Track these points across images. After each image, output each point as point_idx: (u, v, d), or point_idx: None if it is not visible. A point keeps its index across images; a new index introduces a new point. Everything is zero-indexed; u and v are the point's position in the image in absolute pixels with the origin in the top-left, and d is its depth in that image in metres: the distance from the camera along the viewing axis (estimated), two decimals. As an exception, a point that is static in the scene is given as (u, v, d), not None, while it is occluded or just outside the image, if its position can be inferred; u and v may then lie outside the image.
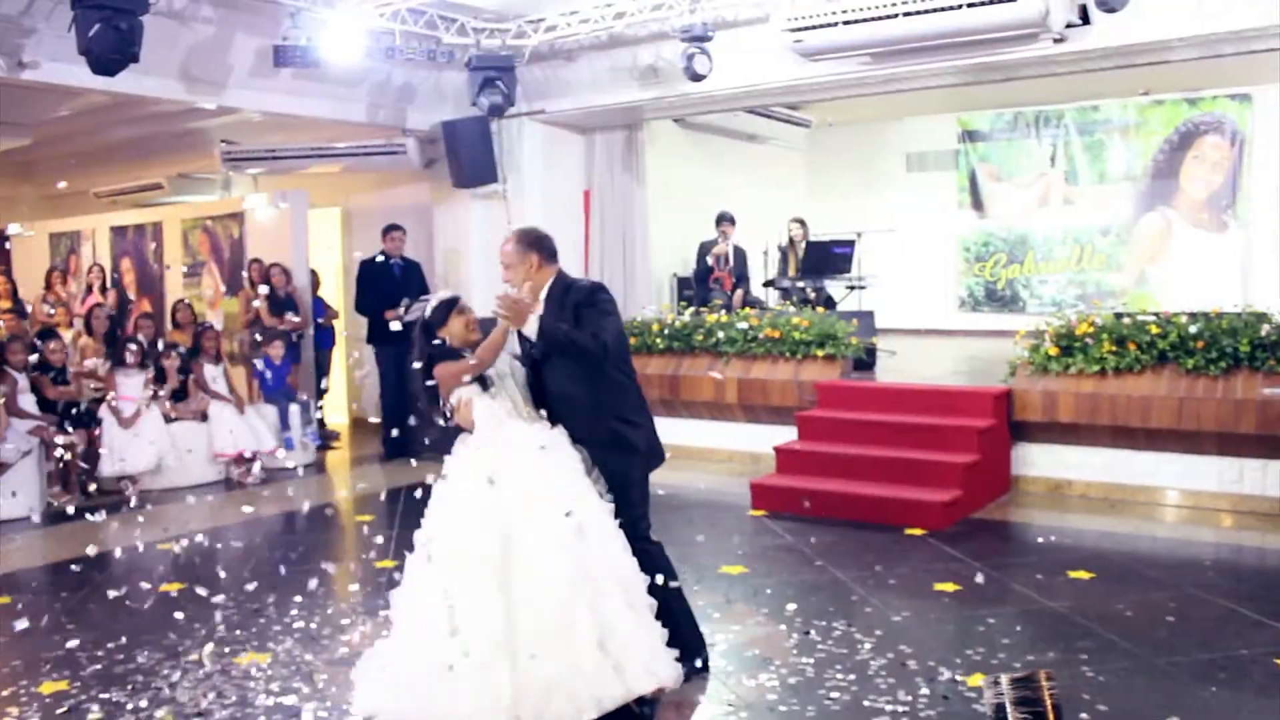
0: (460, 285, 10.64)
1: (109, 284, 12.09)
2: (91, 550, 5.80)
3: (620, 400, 4.39)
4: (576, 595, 3.91)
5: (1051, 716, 2.05)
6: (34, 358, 8.50)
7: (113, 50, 6.94)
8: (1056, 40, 7.69)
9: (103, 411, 8.62)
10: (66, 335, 10.25)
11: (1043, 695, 2.21)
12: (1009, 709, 2.13)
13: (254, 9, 8.27)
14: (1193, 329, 7.40)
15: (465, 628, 3.88)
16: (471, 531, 4.00)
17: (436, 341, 4.38)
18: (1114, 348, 7.58)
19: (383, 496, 8.32)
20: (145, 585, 6.02)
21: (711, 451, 9.47)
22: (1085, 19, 7.53)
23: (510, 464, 4.09)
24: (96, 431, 8.56)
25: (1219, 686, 4.29)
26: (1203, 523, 7.06)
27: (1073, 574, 5.88)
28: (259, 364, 9.74)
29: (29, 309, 11.27)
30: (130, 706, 4.30)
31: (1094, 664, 4.52)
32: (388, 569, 6.24)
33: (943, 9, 7.59)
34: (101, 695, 4.43)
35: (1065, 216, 13.73)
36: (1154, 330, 7.52)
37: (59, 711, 4.30)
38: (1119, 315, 7.92)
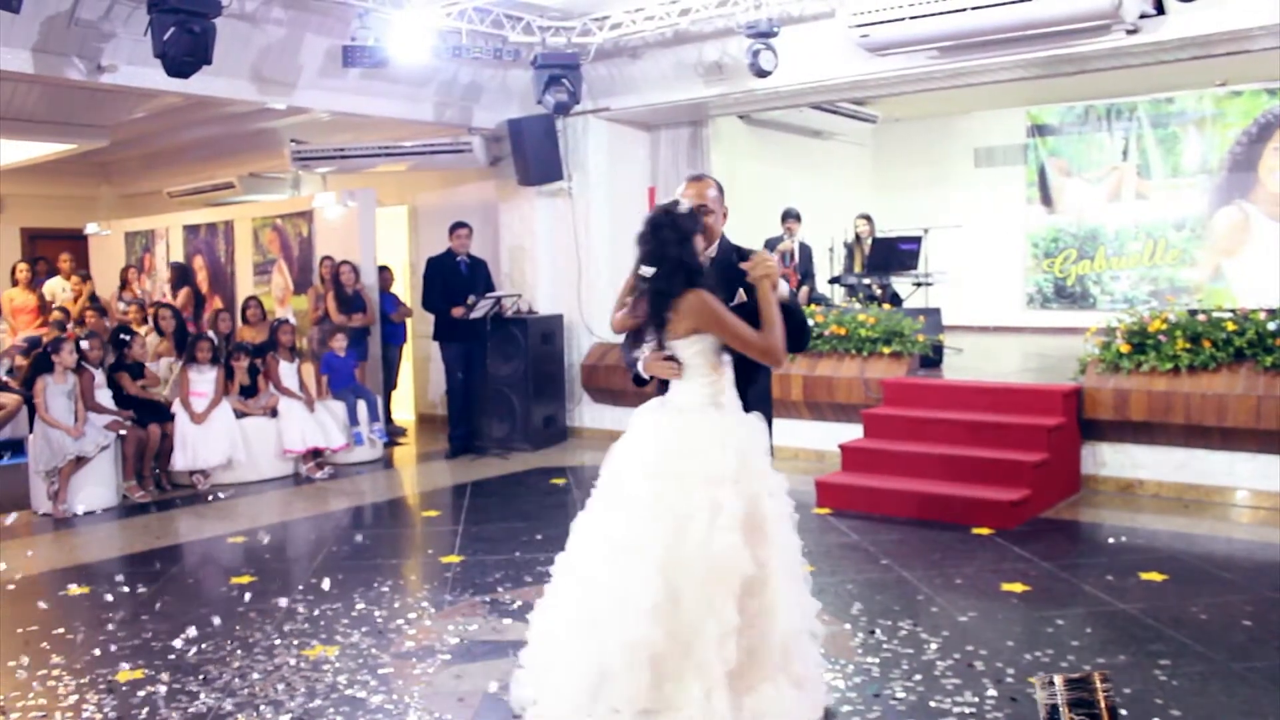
0: (525, 283, 10.74)
1: (182, 282, 12.34)
2: (165, 542, 5.91)
3: (767, 377, 4.30)
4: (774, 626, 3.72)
5: (1106, 718, 2.02)
6: (111, 356, 8.73)
7: (187, 53, 7.08)
8: (1130, 31, 7.53)
9: (175, 407, 8.80)
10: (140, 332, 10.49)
11: (1098, 697, 2.17)
12: (1062, 710, 2.10)
13: (323, 10, 8.39)
14: (1271, 326, 7.22)
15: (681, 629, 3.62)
16: (646, 528, 3.66)
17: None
18: (1188, 345, 7.42)
19: (448, 492, 8.42)
20: (217, 577, 6.15)
21: (777, 449, 9.31)
22: (1160, 9, 7.38)
23: (695, 449, 3.72)
24: (170, 427, 8.73)
25: (1298, 692, 4.18)
26: (1281, 524, 6.89)
27: (1145, 575, 5.76)
28: (325, 358, 9.87)
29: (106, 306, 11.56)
30: (203, 696, 4.38)
31: (1167, 668, 4.43)
32: (453, 564, 6.30)
33: (1012, 1, 7.48)
34: (175, 685, 4.52)
35: (1137, 211, 13.46)
36: (1230, 327, 7.35)
37: (135, 699, 4.40)
38: (1193, 312, 7.74)
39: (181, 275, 12.45)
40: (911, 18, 7.90)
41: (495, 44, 9.09)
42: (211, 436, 8.76)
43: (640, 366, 3.95)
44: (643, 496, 3.73)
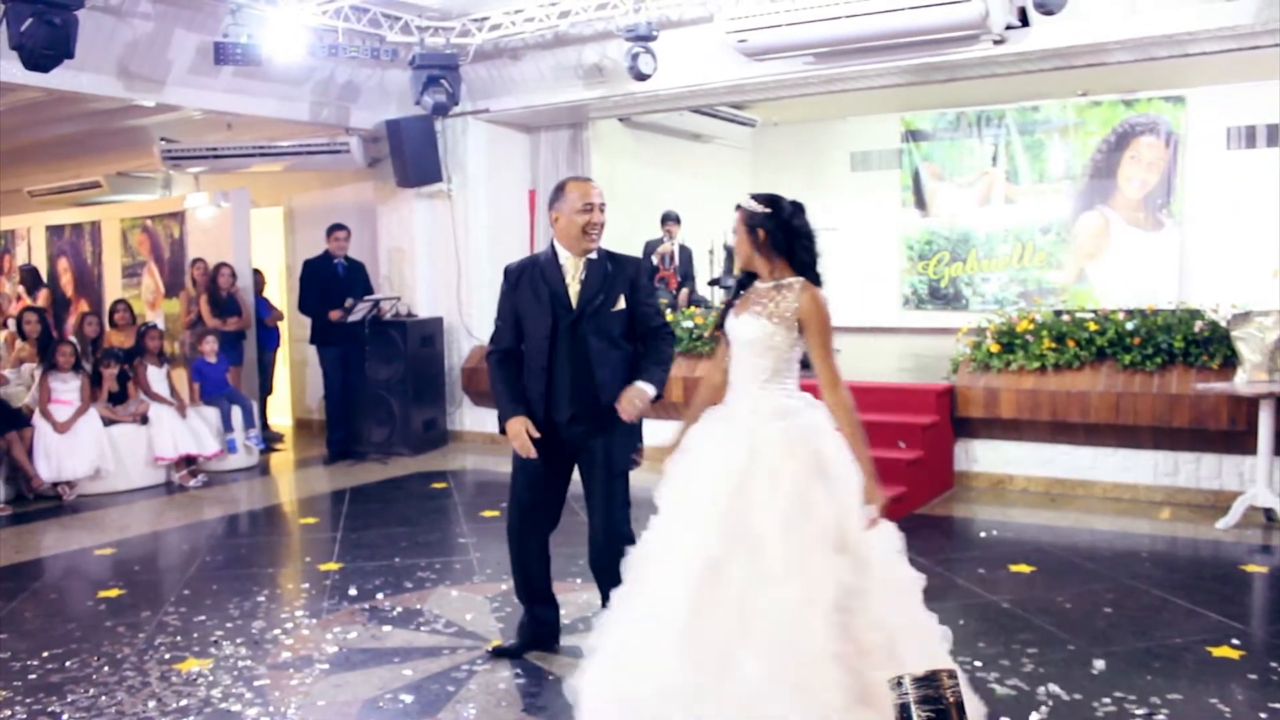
0: (404, 285, 10.60)
1: (44, 284, 11.88)
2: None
3: None
4: None
5: (954, 715, 2.12)
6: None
7: (46, 45, 6.80)
8: (996, 41, 7.79)
9: (37, 416, 8.43)
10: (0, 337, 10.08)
11: (944, 693, 2.27)
12: (913, 709, 2.19)
13: (194, 5, 8.16)
14: (1129, 326, 7.54)
15: None
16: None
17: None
18: (1054, 344, 7.71)
19: (327, 498, 8.26)
20: (83, 591, 5.93)
21: (656, 451, 9.44)
22: (1024, 21, 7.64)
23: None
24: (26, 433, 8.35)
25: (1154, 675, 4.38)
26: (1139, 515, 7.19)
27: (1014, 567, 5.97)
28: (195, 364, 9.60)
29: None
30: (66, 717, 4.22)
31: (1034, 656, 4.60)
32: (331, 571, 6.19)
33: (885, 10, 7.65)
34: (35, 706, 4.34)
35: (1006, 215, 13.90)
36: (1092, 327, 7.65)
37: (-7, 721, 4.22)
38: (1059, 313, 8.05)
39: (33, 279, 11.98)
40: (787, 24, 8.02)
41: (373, 43, 8.96)
42: (77, 446, 8.43)
43: None
44: None
